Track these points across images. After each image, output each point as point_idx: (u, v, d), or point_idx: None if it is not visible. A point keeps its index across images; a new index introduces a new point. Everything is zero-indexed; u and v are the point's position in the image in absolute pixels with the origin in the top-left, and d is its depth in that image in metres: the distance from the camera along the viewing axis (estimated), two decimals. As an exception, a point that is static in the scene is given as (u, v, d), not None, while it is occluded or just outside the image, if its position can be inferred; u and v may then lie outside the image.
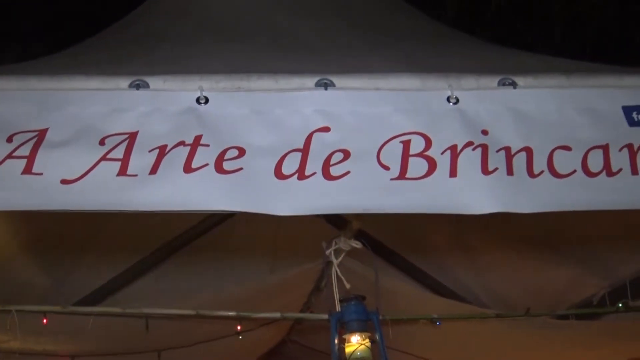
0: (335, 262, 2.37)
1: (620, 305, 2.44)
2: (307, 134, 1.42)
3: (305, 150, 1.40)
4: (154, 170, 1.35)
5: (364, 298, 2.32)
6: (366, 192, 1.39)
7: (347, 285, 2.32)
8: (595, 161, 1.41)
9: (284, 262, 2.78)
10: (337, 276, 2.37)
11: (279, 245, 2.89)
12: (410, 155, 1.41)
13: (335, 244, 2.37)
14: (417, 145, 1.42)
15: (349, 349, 2.23)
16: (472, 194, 1.39)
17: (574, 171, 1.40)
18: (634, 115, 1.50)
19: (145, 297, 2.60)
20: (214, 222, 2.65)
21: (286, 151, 1.39)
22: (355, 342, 2.24)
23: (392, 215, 1.45)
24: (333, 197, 1.38)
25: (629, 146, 1.44)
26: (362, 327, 2.25)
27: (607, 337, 2.57)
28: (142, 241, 2.70)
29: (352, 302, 2.29)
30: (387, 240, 2.81)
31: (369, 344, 2.24)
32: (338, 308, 2.32)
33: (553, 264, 2.74)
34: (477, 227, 2.68)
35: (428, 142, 1.42)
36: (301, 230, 2.53)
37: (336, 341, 2.26)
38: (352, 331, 2.25)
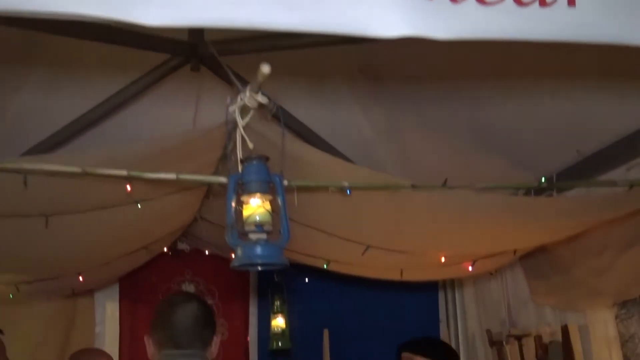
0: (241, 122, 2.15)
1: (542, 180, 2.31)
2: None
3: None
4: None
5: (267, 159, 2.12)
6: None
7: (250, 145, 2.11)
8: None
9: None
10: (242, 138, 2.16)
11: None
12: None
13: (240, 100, 2.14)
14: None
15: (246, 212, 2.05)
16: (380, 12, 1.16)
17: (503, -1, 1.20)
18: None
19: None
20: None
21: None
22: (255, 205, 2.06)
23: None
24: (214, 7, 1.13)
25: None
26: (262, 189, 2.06)
27: (529, 216, 2.46)
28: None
29: (254, 162, 2.08)
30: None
31: (269, 207, 2.06)
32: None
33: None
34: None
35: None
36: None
37: (233, 204, 2.07)
38: (251, 192, 2.06)
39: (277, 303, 3.94)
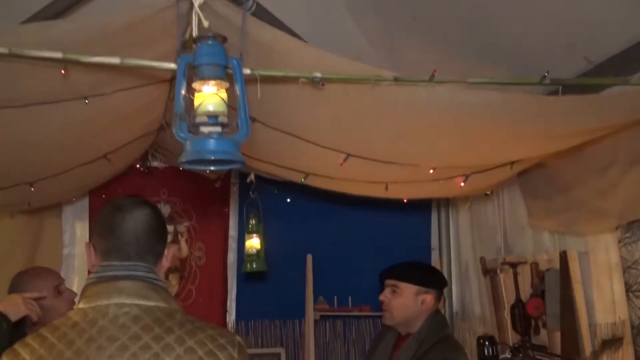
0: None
1: (545, 75, 1.98)
2: None
3: None
4: None
5: (224, 39, 1.79)
6: None
7: (206, 23, 1.79)
8: None
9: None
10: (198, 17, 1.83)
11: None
12: None
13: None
14: None
15: (198, 100, 1.74)
16: None
17: None
18: None
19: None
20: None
21: None
22: (208, 93, 1.75)
23: None
24: None
25: None
26: (217, 74, 1.73)
27: (529, 118, 2.13)
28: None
29: (208, 42, 1.76)
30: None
31: (225, 96, 1.75)
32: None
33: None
34: None
35: None
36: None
37: (183, 91, 1.75)
38: (204, 78, 1.74)
39: (253, 222, 3.66)
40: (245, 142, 1.75)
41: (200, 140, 1.71)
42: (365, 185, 2.91)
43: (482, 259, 4.30)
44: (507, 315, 3.98)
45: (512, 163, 2.64)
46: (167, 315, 1.74)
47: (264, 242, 3.68)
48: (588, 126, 2.19)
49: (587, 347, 3.31)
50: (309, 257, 4.58)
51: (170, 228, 4.67)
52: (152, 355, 1.65)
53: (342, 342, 4.80)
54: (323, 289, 4.64)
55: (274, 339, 4.72)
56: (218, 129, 1.72)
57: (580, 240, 3.43)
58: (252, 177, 3.43)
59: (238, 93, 1.77)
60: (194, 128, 1.73)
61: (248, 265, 3.60)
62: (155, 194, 4.70)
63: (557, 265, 3.49)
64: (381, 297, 3.23)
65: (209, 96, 1.73)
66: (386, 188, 2.83)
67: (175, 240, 4.68)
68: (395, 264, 3.27)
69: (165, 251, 1.91)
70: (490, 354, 2.53)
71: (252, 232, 3.64)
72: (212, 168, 1.80)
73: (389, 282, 3.22)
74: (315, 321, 4.62)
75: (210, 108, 1.72)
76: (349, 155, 2.49)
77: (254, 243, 3.61)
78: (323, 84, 1.93)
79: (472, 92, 1.99)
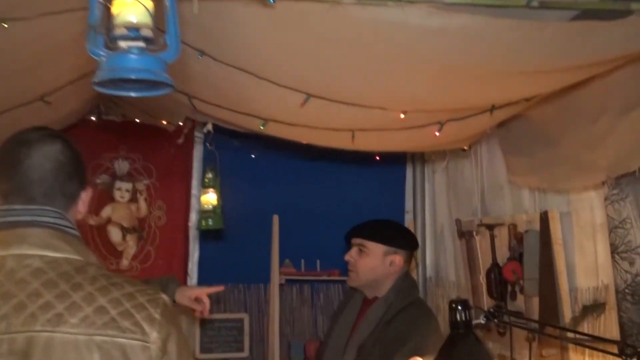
0: None
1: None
2: None
3: None
4: None
5: (150, -64, 1.49)
6: None
7: None
8: None
9: None
10: None
11: None
12: None
13: None
14: None
15: (116, 8, 1.43)
16: None
17: None
18: None
19: None
20: None
21: None
22: (128, 1, 1.45)
23: None
24: None
25: None
26: (140, -23, 1.44)
27: (512, 49, 1.86)
28: None
29: (129, -62, 1.45)
30: None
31: (150, 5, 1.45)
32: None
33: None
34: None
35: None
36: None
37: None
38: (124, -18, 1.44)
39: (209, 176, 3.37)
40: (174, 61, 1.46)
41: (117, 56, 1.41)
42: (331, 135, 2.63)
43: (458, 221, 4.06)
44: (482, 279, 3.76)
45: (491, 109, 2.37)
46: (78, 269, 1.45)
47: (221, 197, 3.39)
48: (579, 60, 1.92)
49: (567, 313, 3.09)
50: (275, 217, 4.31)
51: (128, 186, 4.37)
52: (53, 316, 1.37)
53: (309, 307, 4.55)
54: (290, 251, 4.38)
55: (238, 304, 4.46)
56: (140, 44, 1.42)
57: (563, 199, 3.19)
58: (209, 126, 3.15)
59: (167, 2, 1.47)
60: (111, 43, 1.44)
61: (203, 222, 3.32)
62: (113, 150, 4.40)
63: (536, 226, 3.25)
64: (347, 257, 2.98)
65: (130, 4, 1.43)
66: (353, 137, 2.55)
67: (134, 199, 4.38)
68: (364, 223, 3.02)
69: (83, 194, 1.62)
70: (463, 319, 2.28)
71: (208, 187, 3.36)
72: (132, 94, 1.49)
73: (355, 241, 2.96)
74: (281, 286, 4.37)
75: (131, 19, 1.42)
76: (309, 95, 2.20)
77: (209, 198, 3.32)
78: (274, 0, 1.63)
79: (449, 15, 1.70)
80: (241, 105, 2.55)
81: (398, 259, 2.89)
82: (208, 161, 3.64)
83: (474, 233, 3.83)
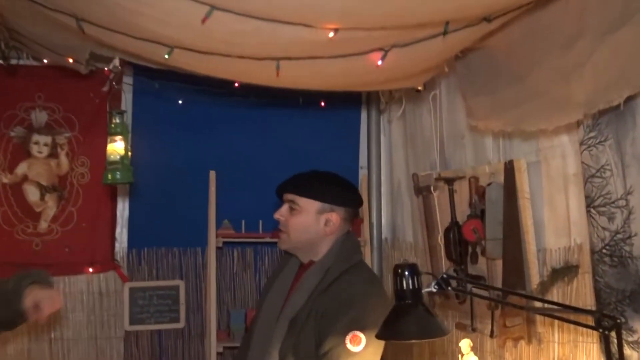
0: None
1: None
2: None
3: None
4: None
5: None
6: None
7: None
8: None
9: None
10: None
11: None
12: None
13: None
14: None
15: None
16: None
17: None
18: None
19: None
20: None
21: None
22: None
23: None
24: None
25: None
26: None
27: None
28: None
29: None
30: None
31: None
32: None
33: None
34: None
35: None
36: None
37: None
38: None
39: (116, 120, 2.86)
40: None
41: None
42: (251, 66, 2.15)
43: (415, 176, 3.63)
44: (440, 240, 3.35)
45: (445, 29, 1.91)
46: None
47: (130, 146, 2.90)
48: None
49: (534, 278, 2.70)
50: (212, 173, 3.84)
51: (47, 139, 3.87)
52: None
53: (251, 273, 4.12)
54: (229, 211, 3.91)
55: (172, 271, 4.01)
56: None
57: (530, 147, 2.77)
58: (116, 62, 2.64)
59: None
60: None
61: (109, 175, 2.83)
62: (29, 99, 3.88)
63: (500, 178, 2.84)
64: (276, 215, 2.54)
65: None
66: (278, 68, 2.07)
67: (54, 154, 3.88)
68: (295, 175, 2.57)
69: None
70: (410, 286, 1.86)
71: (115, 134, 2.85)
72: None
73: (286, 197, 2.52)
74: (220, 249, 3.92)
75: None
76: (212, 7, 1.72)
77: (116, 147, 2.83)
78: None
79: None
80: (141, 30, 2.06)
81: (335, 217, 2.46)
82: (113, 101, 3.14)
83: (432, 188, 3.41)
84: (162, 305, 3.93)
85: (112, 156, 2.79)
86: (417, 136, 3.80)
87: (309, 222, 2.45)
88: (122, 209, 3.96)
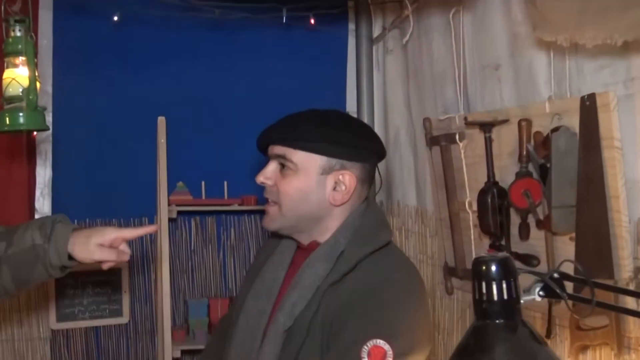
0: None
1: None
2: None
3: None
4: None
5: None
6: None
7: None
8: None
9: None
10: None
11: None
12: None
13: None
14: None
15: None
16: None
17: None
18: None
19: None
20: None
21: None
22: None
23: None
24: None
25: None
26: None
27: None
28: None
29: None
30: None
31: None
32: None
33: None
34: None
35: None
36: None
37: None
38: None
39: (15, 33, 1.87)
40: None
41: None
42: None
43: (427, 121, 2.78)
44: (468, 207, 2.52)
45: None
46: None
47: (36, 74, 1.95)
48: None
49: (625, 261, 1.87)
50: (161, 120, 2.92)
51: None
52: None
53: (216, 248, 3.23)
54: (184, 170, 3.01)
55: (111, 249, 3.09)
56: None
57: (614, 75, 1.93)
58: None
59: None
60: None
61: (8, 118, 1.88)
62: None
63: (572, 121, 1.99)
64: (260, 179, 1.68)
65: None
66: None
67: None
68: (286, 118, 1.70)
69: None
70: (504, 295, 1.01)
71: (14, 54, 1.91)
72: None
73: (274, 150, 1.66)
74: (173, 220, 3.03)
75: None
76: None
77: (17, 74, 1.89)
78: None
79: None
80: None
81: (348, 177, 1.62)
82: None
83: (456, 137, 2.56)
84: (99, 295, 3.03)
85: (10, 89, 1.86)
86: (425, 71, 2.93)
87: (309, 186, 1.61)
88: (44, 166, 3.01)
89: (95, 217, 3.03)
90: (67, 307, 2.96)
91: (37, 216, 2.97)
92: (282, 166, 1.63)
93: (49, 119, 2.96)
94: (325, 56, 3.36)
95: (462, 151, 2.53)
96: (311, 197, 1.60)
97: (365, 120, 3.36)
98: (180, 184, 3.00)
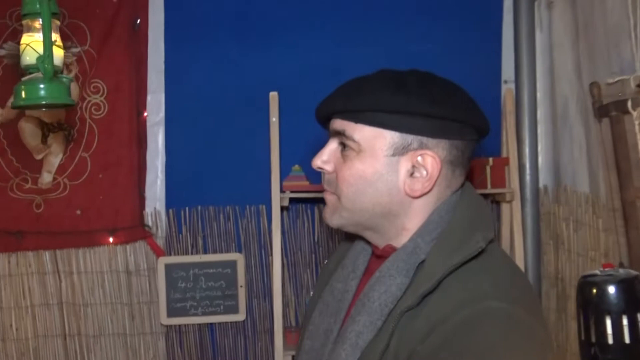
0: None
1: None
2: None
3: None
4: None
5: None
6: None
7: None
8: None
9: None
10: None
11: None
12: None
13: None
14: None
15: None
16: None
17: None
18: None
19: None
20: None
21: None
22: None
23: None
24: None
25: None
26: None
27: None
28: None
29: None
30: None
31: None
32: None
33: None
34: None
35: None
36: None
37: None
38: None
39: None
40: None
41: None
42: None
43: (595, 86, 2.16)
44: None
45: None
46: None
47: (51, 41, 1.65)
48: None
49: None
50: (273, 95, 2.57)
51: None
52: None
53: (335, 242, 2.83)
54: (300, 152, 2.64)
55: (226, 239, 2.80)
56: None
57: None
58: None
59: None
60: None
61: (24, 91, 1.61)
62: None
63: None
64: (317, 162, 1.24)
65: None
66: None
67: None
68: (350, 82, 1.23)
69: None
70: (627, 338, 0.44)
71: (31, 15, 1.64)
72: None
73: (334, 125, 1.21)
74: (288, 208, 2.68)
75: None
76: None
77: (33, 40, 1.62)
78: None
79: None
80: None
81: (430, 160, 1.13)
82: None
83: (628, 104, 1.94)
84: (212, 289, 2.76)
85: (27, 57, 1.59)
86: (597, 25, 2.30)
87: (376, 171, 1.15)
88: (155, 152, 2.79)
89: (209, 204, 2.75)
90: (178, 302, 2.72)
91: (147, 203, 2.76)
92: (344, 146, 1.19)
93: (161, 99, 2.75)
94: (474, 16, 2.82)
95: (637, 122, 1.90)
96: (379, 185, 1.14)
97: (525, 89, 2.78)
98: (296, 167, 2.63)
